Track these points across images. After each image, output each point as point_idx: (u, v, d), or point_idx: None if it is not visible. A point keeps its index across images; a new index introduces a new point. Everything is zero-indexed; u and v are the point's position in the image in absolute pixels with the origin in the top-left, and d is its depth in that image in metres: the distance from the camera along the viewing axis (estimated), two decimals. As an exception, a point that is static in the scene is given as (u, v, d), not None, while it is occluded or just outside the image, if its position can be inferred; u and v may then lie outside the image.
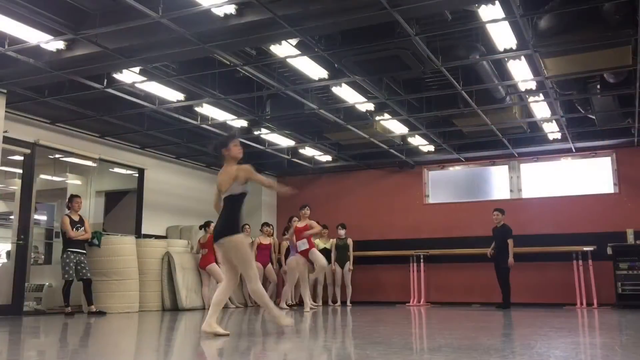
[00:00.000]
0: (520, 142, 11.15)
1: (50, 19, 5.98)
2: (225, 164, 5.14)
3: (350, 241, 11.60)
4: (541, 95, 8.39)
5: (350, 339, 5.07)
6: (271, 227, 11.62)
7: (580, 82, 8.15)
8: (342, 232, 11.60)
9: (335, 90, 8.13)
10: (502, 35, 6.34)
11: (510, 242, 9.76)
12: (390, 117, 9.48)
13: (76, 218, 8.75)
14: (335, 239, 11.66)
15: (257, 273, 5.15)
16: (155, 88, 7.97)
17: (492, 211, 10.20)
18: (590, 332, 5.84)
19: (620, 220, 10.75)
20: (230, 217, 5.03)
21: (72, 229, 8.59)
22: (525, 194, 11.97)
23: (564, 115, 9.36)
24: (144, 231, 10.84)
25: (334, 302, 11.55)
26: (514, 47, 6.61)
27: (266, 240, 11.30)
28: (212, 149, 5.33)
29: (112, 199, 11.67)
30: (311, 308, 9.31)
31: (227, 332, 5.01)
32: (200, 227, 10.82)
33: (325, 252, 11.18)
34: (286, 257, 10.42)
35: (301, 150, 11.85)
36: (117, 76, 7.51)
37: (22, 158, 8.82)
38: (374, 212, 12.77)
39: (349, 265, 11.50)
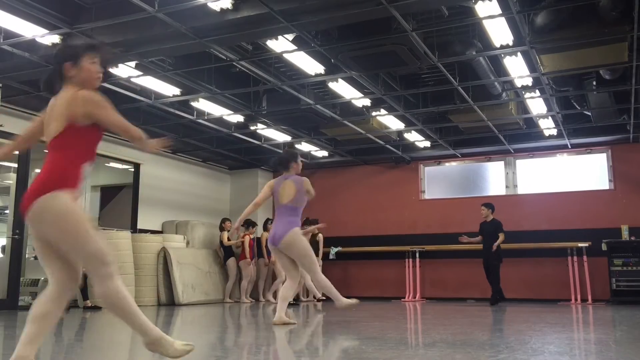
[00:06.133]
0: (516, 138, 11.15)
1: (46, 12, 5.95)
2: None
3: (320, 237, 11.24)
4: (537, 91, 8.39)
5: (346, 334, 5.08)
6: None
7: (576, 79, 8.16)
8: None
9: (332, 85, 8.12)
10: (499, 32, 6.34)
11: (501, 235, 9.67)
12: (386, 112, 9.47)
13: (71, 213, 8.71)
14: (321, 235, 11.39)
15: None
16: (151, 82, 7.94)
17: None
18: (585, 328, 5.87)
19: (615, 216, 10.79)
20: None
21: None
22: (521, 190, 11.99)
23: (560, 112, 9.38)
24: (139, 226, 10.82)
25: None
26: (511, 44, 6.62)
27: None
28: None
29: (108, 193, 11.66)
30: (302, 301, 9.24)
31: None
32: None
33: None
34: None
35: (297, 146, 11.84)
36: (113, 70, 7.48)
37: (17, 152, 8.76)
38: (370, 207, 12.77)
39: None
